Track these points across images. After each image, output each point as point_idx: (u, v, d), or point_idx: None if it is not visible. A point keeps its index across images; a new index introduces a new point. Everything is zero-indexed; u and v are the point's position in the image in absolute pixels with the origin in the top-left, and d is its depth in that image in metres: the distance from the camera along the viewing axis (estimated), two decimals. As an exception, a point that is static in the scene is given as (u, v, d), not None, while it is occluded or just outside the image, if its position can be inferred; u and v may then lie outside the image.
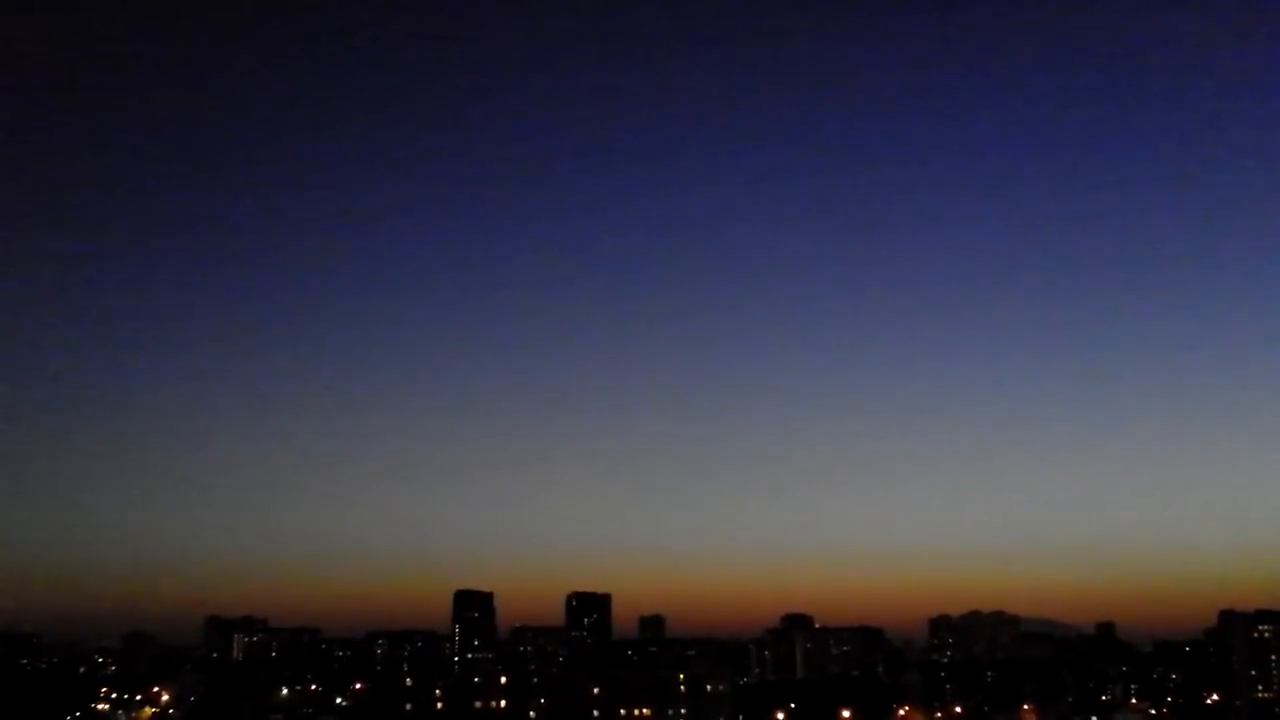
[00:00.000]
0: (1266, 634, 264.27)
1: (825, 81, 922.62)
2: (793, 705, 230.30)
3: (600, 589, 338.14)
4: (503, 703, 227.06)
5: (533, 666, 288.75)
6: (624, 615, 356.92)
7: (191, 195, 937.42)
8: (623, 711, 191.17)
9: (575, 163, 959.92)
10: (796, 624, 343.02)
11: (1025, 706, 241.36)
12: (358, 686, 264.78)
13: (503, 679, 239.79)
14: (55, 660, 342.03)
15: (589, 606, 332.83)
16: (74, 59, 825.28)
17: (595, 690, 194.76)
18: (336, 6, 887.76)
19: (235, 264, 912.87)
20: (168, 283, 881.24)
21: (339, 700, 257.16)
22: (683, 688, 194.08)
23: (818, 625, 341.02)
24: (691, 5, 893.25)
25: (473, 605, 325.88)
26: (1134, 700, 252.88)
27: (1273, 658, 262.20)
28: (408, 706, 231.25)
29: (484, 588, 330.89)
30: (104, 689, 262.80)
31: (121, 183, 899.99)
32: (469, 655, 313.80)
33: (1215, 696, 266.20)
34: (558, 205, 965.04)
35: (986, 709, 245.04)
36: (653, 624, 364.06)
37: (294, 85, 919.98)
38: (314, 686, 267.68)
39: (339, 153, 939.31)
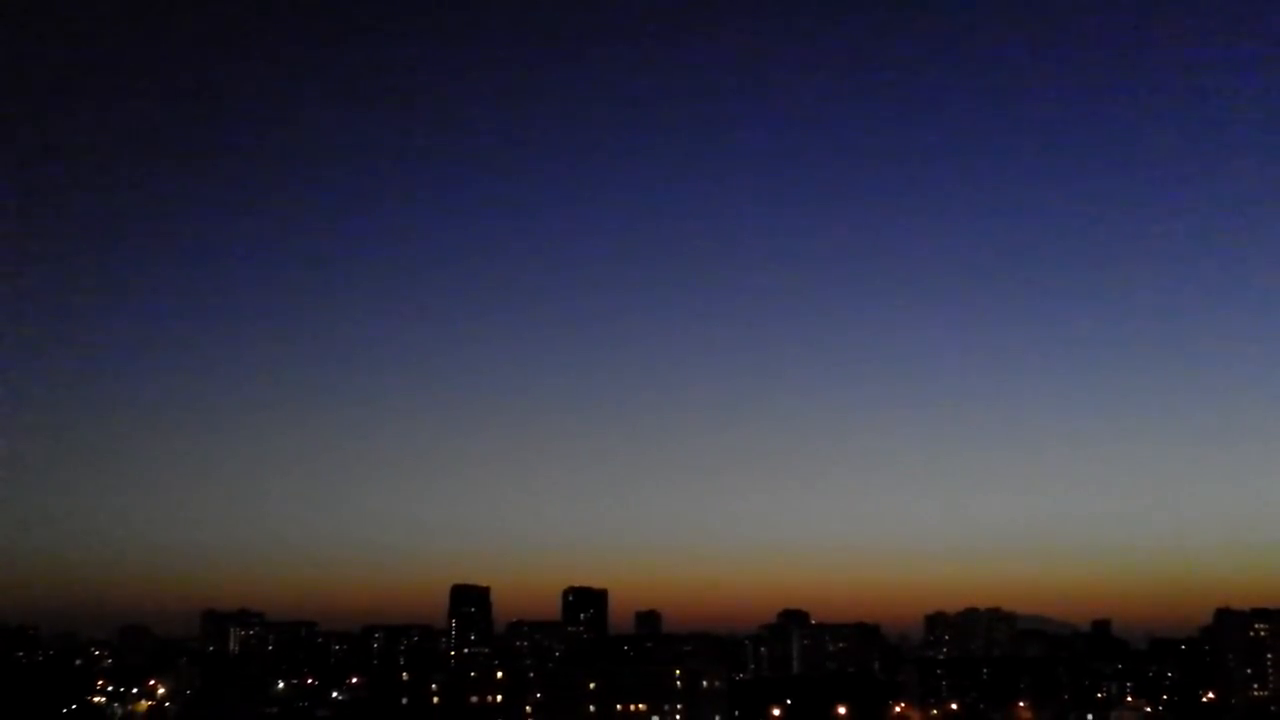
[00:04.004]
0: (1262, 632, 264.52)
1: (816, 79, 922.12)
2: (789, 701, 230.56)
3: (597, 584, 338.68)
4: (499, 697, 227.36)
5: (529, 661, 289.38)
6: (620, 610, 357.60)
7: (188, 192, 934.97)
8: (619, 707, 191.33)
9: (572, 162, 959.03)
10: (793, 620, 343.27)
11: (1021, 703, 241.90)
12: (354, 680, 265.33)
13: (499, 674, 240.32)
14: (51, 653, 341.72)
15: (585, 602, 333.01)
16: (73, 58, 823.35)
17: (591, 685, 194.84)
18: (336, 5, 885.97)
19: (231, 260, 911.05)
20: (163, 278, 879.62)
21: (335, 694, 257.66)
22: (679, 683, 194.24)
23: (814, 621, 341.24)
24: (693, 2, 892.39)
25: (469, 600, 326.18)
26: (1129, 698, 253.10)
27: (1268, 656, 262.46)
28: (404, 701, 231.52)
29: (480, 582, 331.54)
30: (100, 682, 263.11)
31: (118, 181, 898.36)
32: (465, 650, 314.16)
33: (1211, 694, 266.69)
34: (555, 202, 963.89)
35: (982, 706, 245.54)
36: (649, 619, 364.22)
37: (288, 84, 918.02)
38: (310, 680, 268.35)
39: (333, 149, 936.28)
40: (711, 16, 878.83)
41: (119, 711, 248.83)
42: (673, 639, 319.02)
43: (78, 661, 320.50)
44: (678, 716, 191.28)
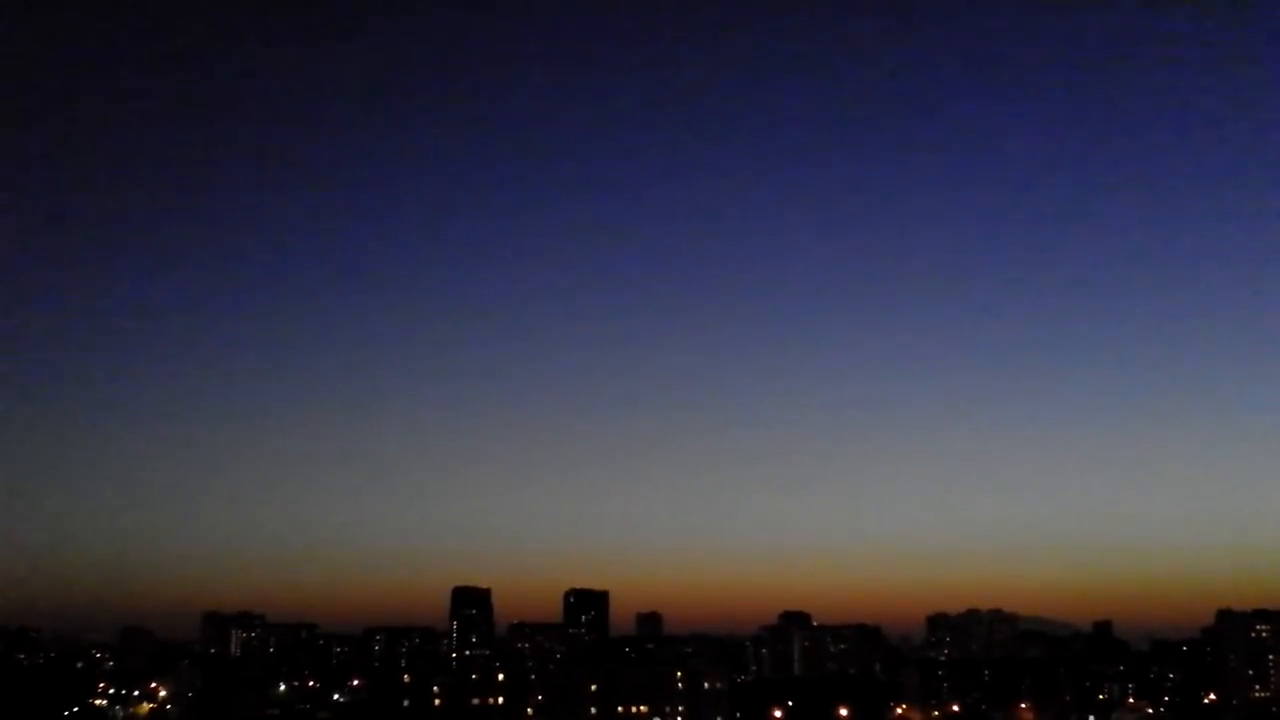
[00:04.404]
0: (1264, 633, 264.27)
1: (819, 80, 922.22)
2: (790, 703, 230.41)
3: (598, 586, 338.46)
4: (500, 699, 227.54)
5: (530, 663, 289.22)
6: (621, 612, 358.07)
7: (189, 196, 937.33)
8: (620, 708, 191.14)
9: (574, 163, 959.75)
10: (794, 621, 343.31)
11: (1022, 705, 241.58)
12: (355, 683, 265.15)
13: (500, 676, 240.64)
14: (52, 655, 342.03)
15: (587, 603, 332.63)
16: (74, 58, 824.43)
17: (593, 687, 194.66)
18: (336, 5, 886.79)
19: (231, 262, 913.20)
20: (163, 281, 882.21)
21: (336, 696, 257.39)
22: (680, 685, 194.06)
23: (815, 623, 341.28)
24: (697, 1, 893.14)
25: (470, 602, 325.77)
26: (1131, 699, 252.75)
27: (1270, 657, 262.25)
28: (405, 703, 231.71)
29: (482, 584, 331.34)
30: (101, 684, 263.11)
31: (117, 184, 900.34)
32: (466, 652, 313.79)
33: (1212, 696, 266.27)
34: (556, 203, 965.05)
35: (983, 707, 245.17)
36: (650, 621, 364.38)
37: (288, 84, 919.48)
38: (311, 682, 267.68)
39: (331, 151, 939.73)
40: (713, 17, 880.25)
41: (120, 714, 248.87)
42: (674, 640, 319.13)
43: (79, 664, 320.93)
44: (679, 718, 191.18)
